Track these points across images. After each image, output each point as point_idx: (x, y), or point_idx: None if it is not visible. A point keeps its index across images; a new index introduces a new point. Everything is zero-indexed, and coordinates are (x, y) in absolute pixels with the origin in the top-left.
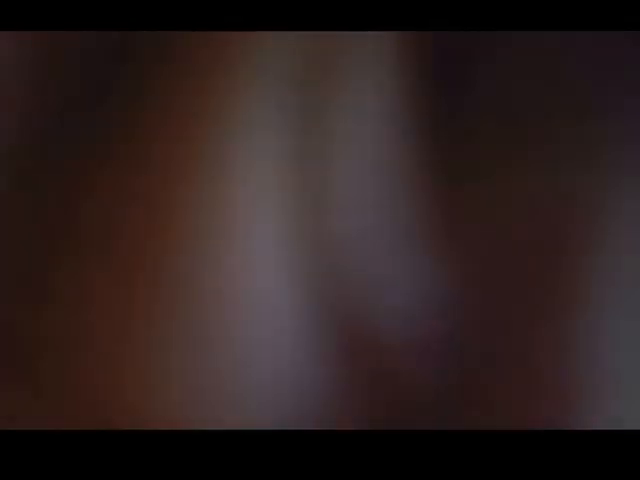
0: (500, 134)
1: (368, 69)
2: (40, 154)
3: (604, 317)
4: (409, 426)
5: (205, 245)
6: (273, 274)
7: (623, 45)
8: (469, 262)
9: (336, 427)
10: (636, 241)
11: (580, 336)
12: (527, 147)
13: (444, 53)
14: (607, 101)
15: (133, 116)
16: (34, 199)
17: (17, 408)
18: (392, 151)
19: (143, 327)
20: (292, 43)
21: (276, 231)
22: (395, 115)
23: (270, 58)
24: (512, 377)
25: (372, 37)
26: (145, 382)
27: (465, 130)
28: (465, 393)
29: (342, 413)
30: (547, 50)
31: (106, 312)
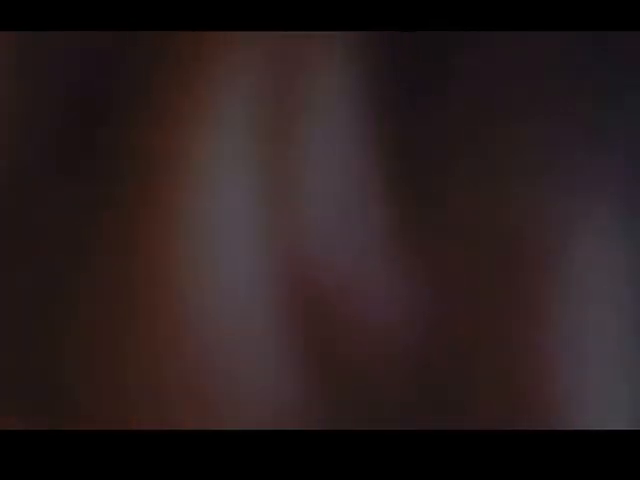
0: (469, 148)
1: (341, 74)
2: (43, 155)
3: (570, 328)
4: (377, 426)
5: (185, 248)
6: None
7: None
8: (437, 274)
9: (306, 426)
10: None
11: (548, 341)
12: (495, 161)
13: (414, 58)
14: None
15: (124, 115)
16: (36, 200)
17: (18, 408)
18: (361, 163)
19: (141, 329)
20: (264, 44)
21: (251, 243)
22: (364, 125)
23: (242, 59)
24: (482, 379)
25: (345, 39)
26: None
27: (433, 143)
28: (434, 393)
29: (310, 411)
30: (527, 54)
31: (108, 314)
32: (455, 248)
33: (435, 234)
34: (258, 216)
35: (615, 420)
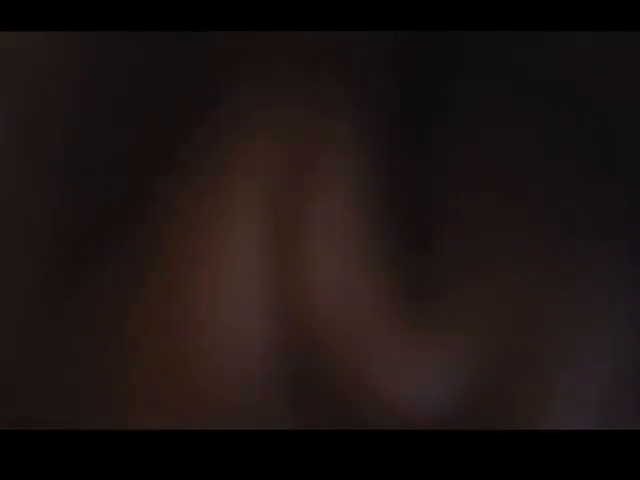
0: (483, 225)
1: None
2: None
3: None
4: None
5: (197, 281)
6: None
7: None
8: (438, 336)
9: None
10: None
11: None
12: (511, 241)
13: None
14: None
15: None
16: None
17: (19, 410)
18: (365, 229)
19: (149, 340)
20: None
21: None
22: (370, 194)
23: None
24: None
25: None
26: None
27: (433, 206)
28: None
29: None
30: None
31: (118, 324)
32: (457, 314)
33: (437, 299)
34: (265, 275)
35: (618, 420)
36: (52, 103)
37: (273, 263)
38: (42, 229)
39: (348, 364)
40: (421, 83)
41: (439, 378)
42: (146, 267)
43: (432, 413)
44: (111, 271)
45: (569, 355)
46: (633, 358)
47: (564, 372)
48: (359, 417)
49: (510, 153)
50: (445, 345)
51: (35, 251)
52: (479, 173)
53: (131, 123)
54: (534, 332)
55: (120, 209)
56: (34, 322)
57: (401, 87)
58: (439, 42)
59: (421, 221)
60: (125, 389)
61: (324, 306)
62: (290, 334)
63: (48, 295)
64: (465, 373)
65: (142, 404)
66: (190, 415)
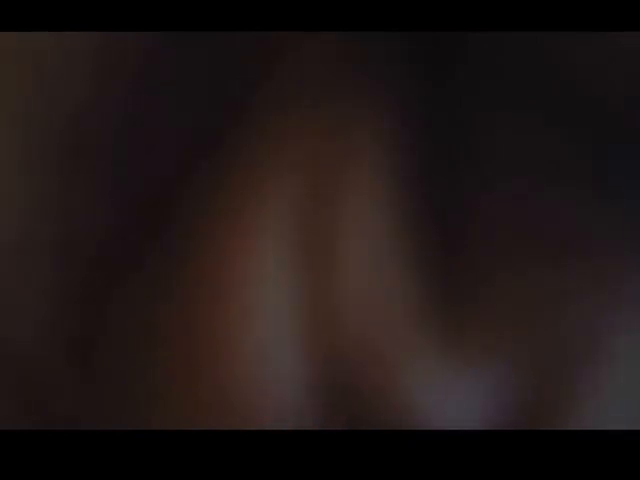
0: (502, 234)
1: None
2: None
3: None
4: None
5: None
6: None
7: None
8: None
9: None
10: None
11: None
12: (529, 243)
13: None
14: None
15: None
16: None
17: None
18: (394, 245)
19: (160, 342)
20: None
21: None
22: (397, 207)
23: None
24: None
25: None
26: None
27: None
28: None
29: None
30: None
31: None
32: (490, 319)
33: (470, 303)
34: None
35: (615, 420)
36: (71, 104)
37: (304, 264)
38: (73, 229)
39: (377, 369)
40: (421, 83)
41: (470, 382)
42: (176, 267)
43: (463, 417)
44: (140, 271)
45: (600, 359)
46: None
47: (597, 374)
48: (384, 418)
49: (513, 153)
50: (477, 350)
51: (64, 252)
52: (487, 177)
53: (165, 122)
54: (565, 336)
55: (150, 209)
56: (63, 323)
57: (406, 87)
58: (439, 42)
59: (453, 223)
60: (153, 390)
61: (354, 308)
62: (320, 336)
63: (79, 295)
64: (498, 378)
65: (168, 404)
66: (215, 416)
